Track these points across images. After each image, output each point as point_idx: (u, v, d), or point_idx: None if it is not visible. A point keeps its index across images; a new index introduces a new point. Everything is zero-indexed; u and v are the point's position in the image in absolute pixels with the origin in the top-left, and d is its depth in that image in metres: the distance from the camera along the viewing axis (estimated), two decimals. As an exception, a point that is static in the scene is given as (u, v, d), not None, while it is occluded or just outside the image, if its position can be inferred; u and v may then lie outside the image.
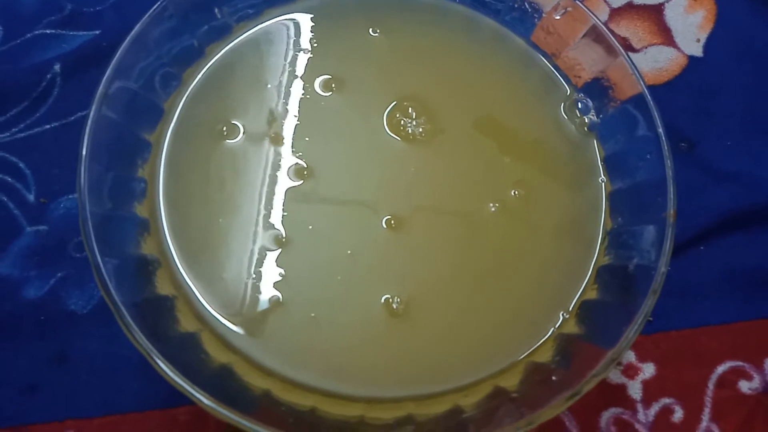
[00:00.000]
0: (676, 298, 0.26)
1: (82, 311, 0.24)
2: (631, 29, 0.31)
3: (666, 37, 0.31)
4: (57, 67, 0.28)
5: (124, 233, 0.20)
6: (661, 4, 0.31)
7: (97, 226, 0.19)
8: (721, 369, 0.25)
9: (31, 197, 0.26)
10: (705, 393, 0.25)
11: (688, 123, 0.29)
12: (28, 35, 0.29)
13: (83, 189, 0.19)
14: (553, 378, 0.20)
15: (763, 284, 0.27)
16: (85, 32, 0.29)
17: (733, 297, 0.26)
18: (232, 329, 0.20)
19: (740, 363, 0.25)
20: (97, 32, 0.29)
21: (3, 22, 0.29)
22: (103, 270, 0.18)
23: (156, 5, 0.22)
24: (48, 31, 0.29)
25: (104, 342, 0.24)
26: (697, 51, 0.30)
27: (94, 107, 0.20)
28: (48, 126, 0.27)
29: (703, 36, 0.31)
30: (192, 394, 0.17)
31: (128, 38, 0.21)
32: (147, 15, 0.22)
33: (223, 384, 0.19)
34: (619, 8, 0.31)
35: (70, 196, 0.26)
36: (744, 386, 0.25)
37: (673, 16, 0.31)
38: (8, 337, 0.24)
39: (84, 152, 0.19)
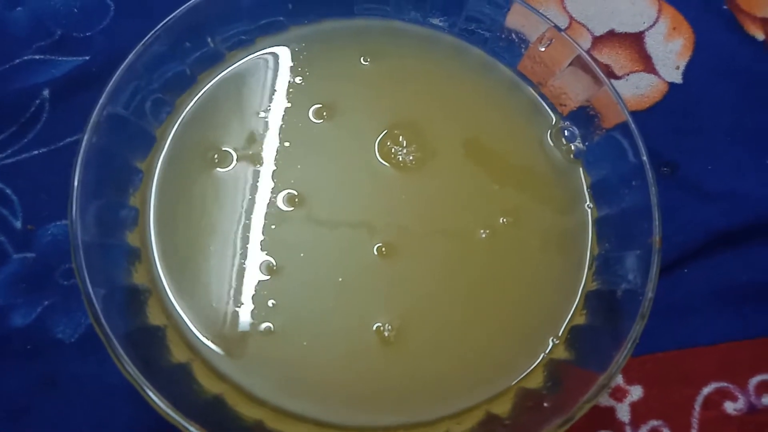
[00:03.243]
0: (663, 319, 0.26)
1: (69, 340, 0.24)
2: (613, 57, 0.32)
3: (647, 64, 0.32)
4: (46, 92, 0.28)
5: (115, 262, 0.20)
6: (642, 32, 0.32)
7: (88, 256, 0.19)
8: (707, 390, 0.26)
9: (18, 224, 0.26)
10: (692, 414, 0.25)
11: (670, 147, 0.30)
12: (17, 60, 0.28)
13: (75, 218, 0.19)
14: (545, 404, 0.20)
15: (749, 300, 0.27)
16: (74, 57, 0.29)
17: (718, 317, 0.27)
18: (223, 359, 0.20)
19: (726, 384, 0.26)
20: (87, 58, 0.29)
21: (-8, 47, 0.29)
22: (94, 300, 0.18)
23: (149, 34, 0.22)
24: (37, 57, 0.29)
25: (93, 370, 0.23)
26: (677, 78, 0.31)
27: (86, 136, 0.20)
28: (36, 152, 0.27)
29: (682, 63, 0.32)
30: (184, 427, 0.17)
31: (122, 66, 0.21)
32: (141, 44, 0.22)
33: (216, 414, 0.19)
34: (601, 36, 0.32)
35: (57, 223, 0.26)
36: (729, 407, 0.25)
37: (653, 44, 0.32)
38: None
39: (76, 183, 0.19)
